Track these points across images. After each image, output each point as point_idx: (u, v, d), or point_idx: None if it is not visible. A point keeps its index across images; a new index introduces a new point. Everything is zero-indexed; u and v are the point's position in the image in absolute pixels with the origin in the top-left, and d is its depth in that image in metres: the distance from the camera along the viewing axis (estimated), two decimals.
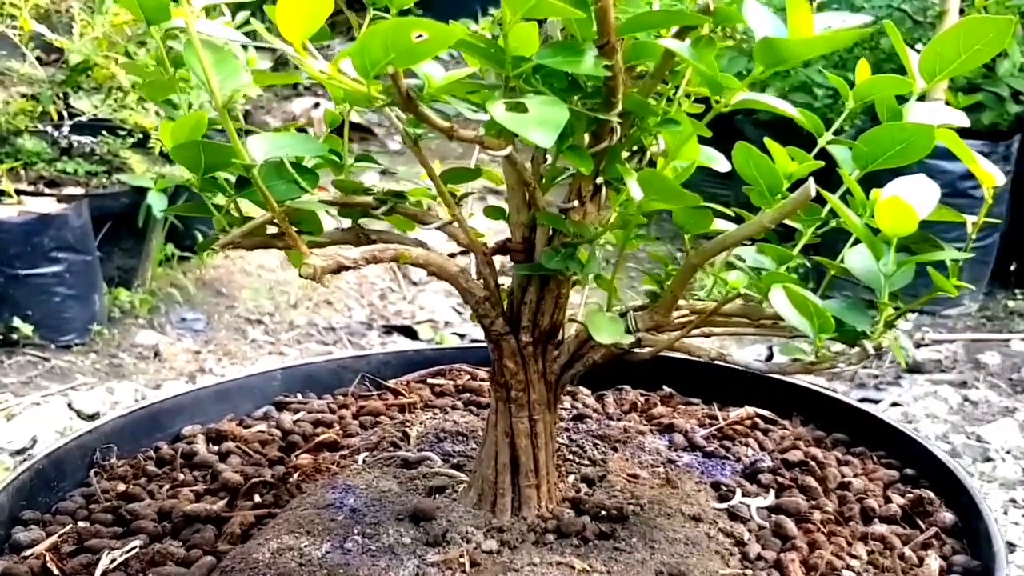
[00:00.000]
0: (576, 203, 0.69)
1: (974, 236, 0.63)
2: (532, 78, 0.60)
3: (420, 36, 0.53)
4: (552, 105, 0.55)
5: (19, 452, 1.90)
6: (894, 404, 2.72)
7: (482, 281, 0.73)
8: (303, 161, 0.68)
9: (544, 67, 0.59)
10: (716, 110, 0.61)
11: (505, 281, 0.75)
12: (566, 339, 0.76)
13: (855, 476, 0.90)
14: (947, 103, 3.09)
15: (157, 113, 2.50)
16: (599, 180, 0.68)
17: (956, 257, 0.62)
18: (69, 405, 2.13)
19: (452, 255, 0.75)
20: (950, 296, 0.63)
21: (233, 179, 0.67)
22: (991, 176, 0.61)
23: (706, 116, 0.63)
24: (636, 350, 0.72)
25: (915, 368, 2.96)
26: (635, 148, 0.70)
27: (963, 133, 0.67)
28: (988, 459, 2.41)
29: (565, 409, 1.05)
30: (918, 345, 3.11)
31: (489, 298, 0.72)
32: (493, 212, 0.75)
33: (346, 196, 0.69)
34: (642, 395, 1.10)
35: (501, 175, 0.74)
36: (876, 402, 2.71)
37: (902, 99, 0.68)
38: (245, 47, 0.70)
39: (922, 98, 0.69)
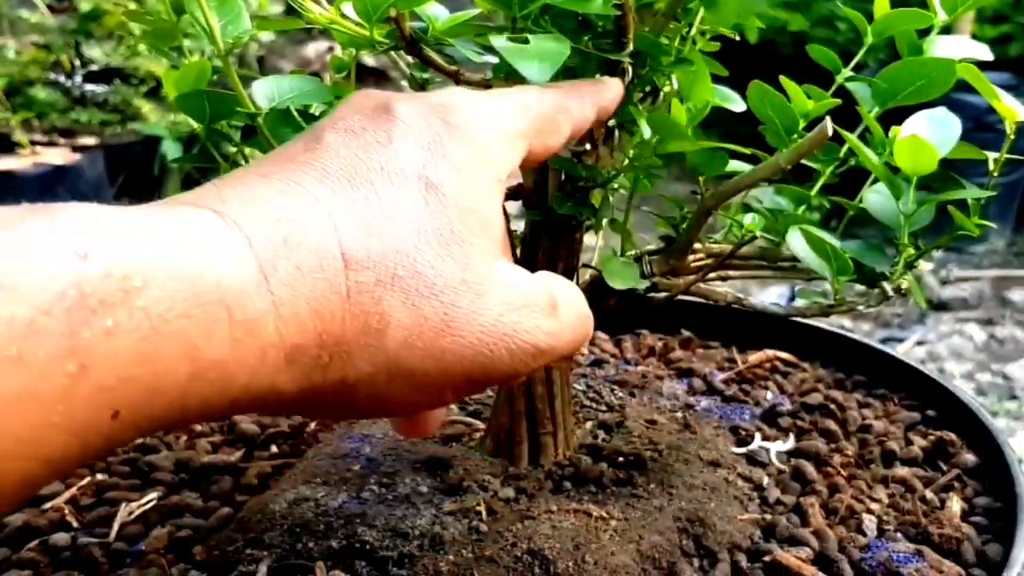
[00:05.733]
0: (588, 146, 0.67)
1: (997, 173, 0.61)
2: (541, 19, 0.58)
3: None
4: (554, 40, 0.54)
5: None
6: (919, 343, 2.71)
7: None
8: (311, 108, 0.66)
9: (553, 7, 0.57)
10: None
11: (518, 227, 0.74)
12: (580, 285, 0.75)
13: (876, 418, 0.89)
14: (973, 35, 3.03)
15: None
16: (611, 123, 0.66)
17: (978, 195, 0.60)
18: None
19: None
20: (973, 234, 0.61)
21: (240, 127, 0.66)
22: (1013, 111, 0.59)
23: (725, 61, 0.61)
24: (651, 295, 0.71)
25: (940, 306, 2.94)
26: (648, 89, 0.68)
27: (990, 66, 0.65)
28: (1014, 397, 2.40)
29: (582, 355, 1.04)
30: (943, 282, 3.09)
31: None
32: None
33: None
34: (661, 339, 1.09)
35: None
36: (900, 341, 2.70)
37: (925, 32, 0.66)
38: None
39: (947, 30, 0.67)
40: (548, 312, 0.46)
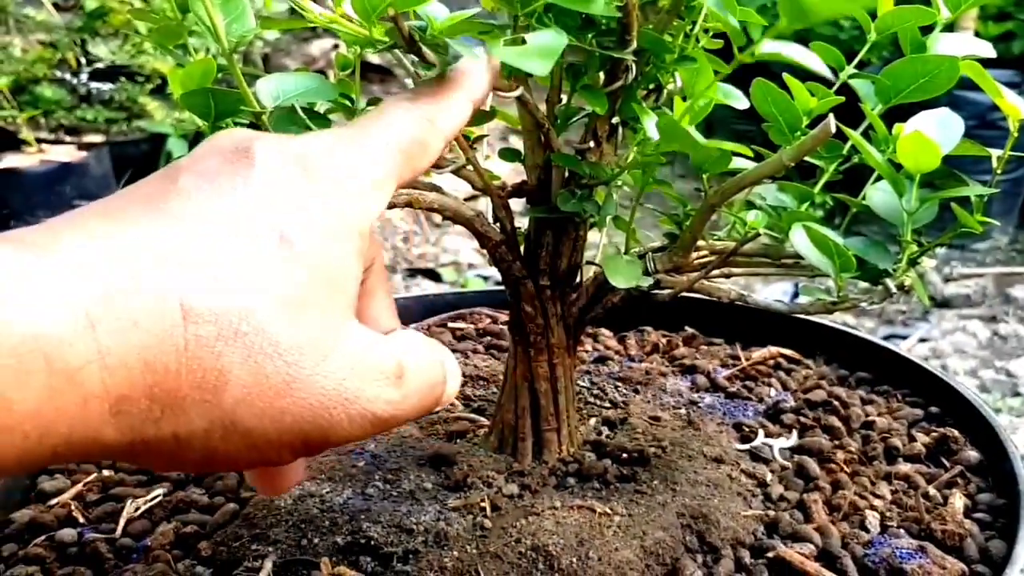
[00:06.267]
0: (592, 144, 0.68)
1: (1000, 170, 0.61)
2: (544, 17, 0.59)
3: None
4: (551, 32, 0.54)
5: None
6: (922, 340, 2.70)
7: (498, 224, 0.72)
8: (315, 106, 0.67)
9: (556, 6, 0.57)
10: (738, 60, 0.59)
11: (522, 224, 0.74)
12: (584, 282, 0.75)
13: (879, 415, 0.89)
14: (976, 32, 3.03)
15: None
16: (615, 120, 0.67)
17: (981, 192, 0.60)
18: None
19: (472, 198, 0.73)
20: (976, 231, 0.61)
21: (245, 125, 0.66)
22: (1017, 108, 0.59)
23: (728, 58, 0.61)
24: (655, 292, 0.72)
25: (944, 303, 2.94)
26: (651, 86, 0.68)
27: (993, 63, 0.65)
28: (1017, 394, 2.40)
29: (587, 351, 1.04)
30: (947, 279, 3.09)
31: (506, 242, 0.72)
32: (508, 154, 0.74)
33: None
34: (664, 336, 1.10)
35: (516, 116, 0.72)
36: (904, 338, 2.70)
37: (928, 30, 0.66)
38: None
39: (950, 28, 0.67)
40: (392, 381, 0.44)
